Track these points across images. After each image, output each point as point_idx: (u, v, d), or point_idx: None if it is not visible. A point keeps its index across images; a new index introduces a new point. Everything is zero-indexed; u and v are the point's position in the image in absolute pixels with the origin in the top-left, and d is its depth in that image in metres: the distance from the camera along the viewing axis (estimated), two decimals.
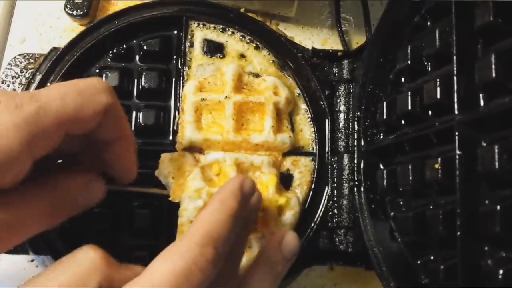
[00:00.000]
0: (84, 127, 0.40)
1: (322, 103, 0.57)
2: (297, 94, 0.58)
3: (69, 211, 0.42)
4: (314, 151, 0.57)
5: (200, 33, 0.59)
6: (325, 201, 0.55)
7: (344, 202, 0.54)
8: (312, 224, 0.54)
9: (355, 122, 0.55)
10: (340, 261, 0.54)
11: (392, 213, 0.50)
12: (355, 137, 0.55)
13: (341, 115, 0.57)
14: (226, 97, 0.55)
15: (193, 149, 0.55)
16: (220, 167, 0.54)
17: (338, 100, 0.57)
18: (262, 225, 0.53)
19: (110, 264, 0.37)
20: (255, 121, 0.56)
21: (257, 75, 0.58)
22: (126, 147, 0.45)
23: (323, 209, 0.55)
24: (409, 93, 0.47)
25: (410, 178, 0.46)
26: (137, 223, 0.54)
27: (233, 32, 0.59)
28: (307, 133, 0.57)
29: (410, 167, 0.46)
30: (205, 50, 0.59)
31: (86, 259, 0.37)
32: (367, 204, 0.52)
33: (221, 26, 0.60)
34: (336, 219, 0.54)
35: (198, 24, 0.59)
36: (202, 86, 0.57)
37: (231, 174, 0.53)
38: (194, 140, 0.54)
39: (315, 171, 0.56)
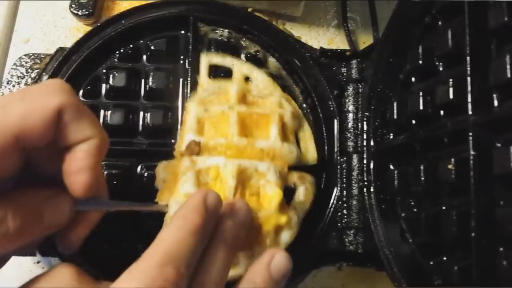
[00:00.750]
0: (38, 136, 0.36)
1: (330, 103, 0.57)
2: (305, 111, 0.58)
3: (35, 228, 0.39)
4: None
5: (205, 58, 0.57)
6: (334, 201, 0.55)
7: (354, 202, 0.54)
8: (321, 225, 0.54)
9: (364, 122, 0.55)
10: (350, 261, 0.54)
11: (403, 214, 0.49)
12: (364, 137, 0.54)
13: (350, 115, 0.56)
14: (230, 107, 0.53)
15: (192, 152, 0.52)
16: (218, 172, 0.50)
17: (347, 100, 0.57)
18: (255, 242, 0.48)
19: (81, 280, 0.39)
20: (259, 134, 0.53)
21: (261, 98, 0.56)
22: (94, 151, 0.39)
23: (332, 209, 0.54)
24: (421, 93, 0.47)
25: (423, 178, 0.46)
26: (145, 227, 0.53)
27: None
28: (312, 152, 0.55)
29: (422, 168, 0.46)
30: (210, 76, 0.57)
31: (59, 275, 0.39)
32: (377, 205, 0.51)
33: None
34: (345, 220, 0.54)
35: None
36: (205, 102, 0.55)
37: (229, 179, 0.49)
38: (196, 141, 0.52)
39: (324, 171, 0.55)
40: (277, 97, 0.55)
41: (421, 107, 0.47)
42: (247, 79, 0.57)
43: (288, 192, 0.52)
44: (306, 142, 0.56)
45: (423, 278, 0.45)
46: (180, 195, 0.48)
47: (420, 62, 0.48)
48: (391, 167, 0.52)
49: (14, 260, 0.57)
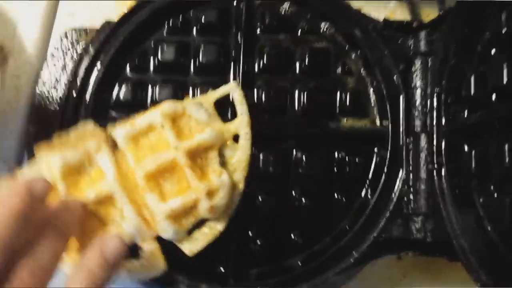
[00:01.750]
0: None
1: (395, 78, 0.52)
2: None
3: None
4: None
5: (233, 87, 0.52)
6: (400, 185, 0.50)
7: (422, 187, 0.50)
8: (385, 211, 0.50)
9: (435, 99, 0.50)
10: (417, 250, 0.50)
11: (480, 200, 0.45)
12: (435, 115, 0.50)
13: (418, 91, 0.52)
14: (176, 147, 0.46)
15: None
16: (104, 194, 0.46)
17: (414, 75, 0.52)
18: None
19: None
20: (166, 191, 0.47)
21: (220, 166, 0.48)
22: None
23: (397, 194, 0.50)
24: (505, 65, 0.42)
25: (507, 160, 0.41)
26: None
27: None
28: (195, 248, 0.48)
29: (506, 148, 0.41)
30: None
31: None
32: (450, 190, 0.47)
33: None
34: (412, 206, 0.50)
35: None
36: (175, 118, 0.48)
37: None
38: (121, 145, 0.47)
39: (388, 153, 0.51)
40: (226, 181, 0.47)
41: (505, 81, 0.42)
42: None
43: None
44: (203, 240, 0.48)
45: (505, 270, 0.42)
46: (49, 160, 0.45)
47: (504, 30, 0.43)
48: (466, 148, 0.47)
49: None
